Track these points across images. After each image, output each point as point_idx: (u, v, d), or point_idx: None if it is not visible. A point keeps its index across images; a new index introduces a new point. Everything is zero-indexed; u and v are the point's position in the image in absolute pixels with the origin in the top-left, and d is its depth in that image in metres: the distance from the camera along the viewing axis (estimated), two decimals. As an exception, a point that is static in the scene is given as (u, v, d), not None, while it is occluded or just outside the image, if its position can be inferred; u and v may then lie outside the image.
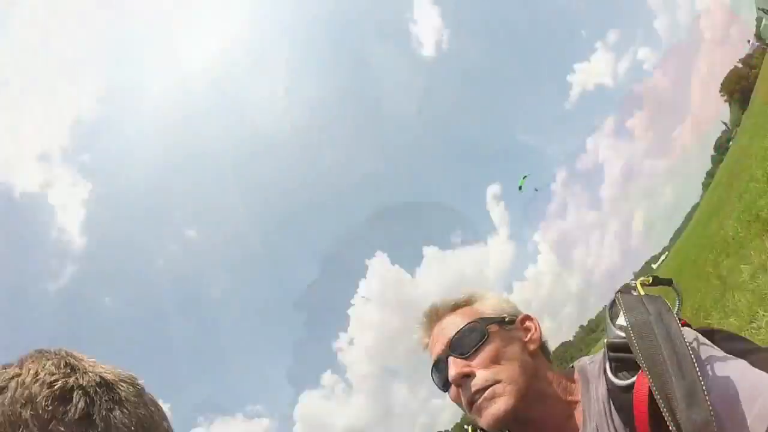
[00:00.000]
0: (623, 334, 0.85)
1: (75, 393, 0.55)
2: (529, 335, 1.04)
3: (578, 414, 0.98)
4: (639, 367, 0.82)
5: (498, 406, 0.95)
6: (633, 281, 0.89)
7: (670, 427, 0.71)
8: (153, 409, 0.60)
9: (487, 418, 0.95)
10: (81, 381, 0.56)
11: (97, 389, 0.56)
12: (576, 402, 0.99)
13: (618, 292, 0.88)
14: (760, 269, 4.43)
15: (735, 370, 0.76)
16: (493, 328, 1.00)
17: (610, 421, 0.93)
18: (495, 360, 0.97)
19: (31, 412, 0.52)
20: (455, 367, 0.96)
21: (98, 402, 0.55)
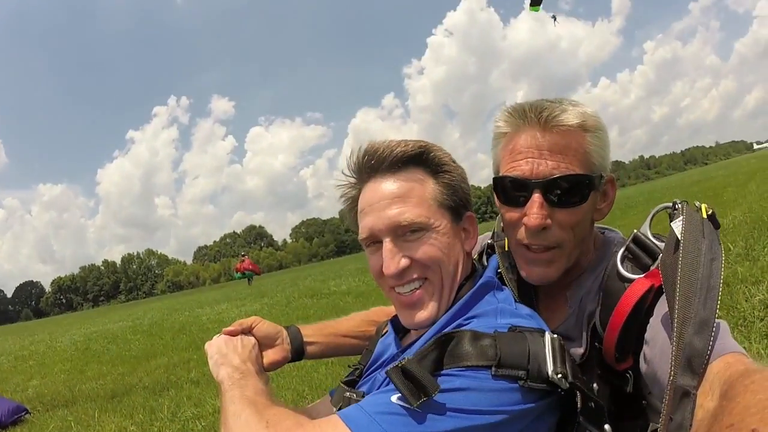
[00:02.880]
0: (656, 242, 0.88)
1: None
2: (605, 202, 1.01)
3: (576, 279, 1.01)
4: (647, 270, 0.86)
5: (549, 273, 0.96)
6: (699, 203, 0.87)
7: (671, 342, 0.71)
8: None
9: (534, 276, 0.98)
10: None
11: None
12: (582, 267, 1.01)
13: (683, 201, 0.87)
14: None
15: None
16: (593, 189, 0.95)
17: (591, 298, 0.95)
18: (573, 224, 0.94)
19: None
20: (540, 214, 0.92)
21: None
